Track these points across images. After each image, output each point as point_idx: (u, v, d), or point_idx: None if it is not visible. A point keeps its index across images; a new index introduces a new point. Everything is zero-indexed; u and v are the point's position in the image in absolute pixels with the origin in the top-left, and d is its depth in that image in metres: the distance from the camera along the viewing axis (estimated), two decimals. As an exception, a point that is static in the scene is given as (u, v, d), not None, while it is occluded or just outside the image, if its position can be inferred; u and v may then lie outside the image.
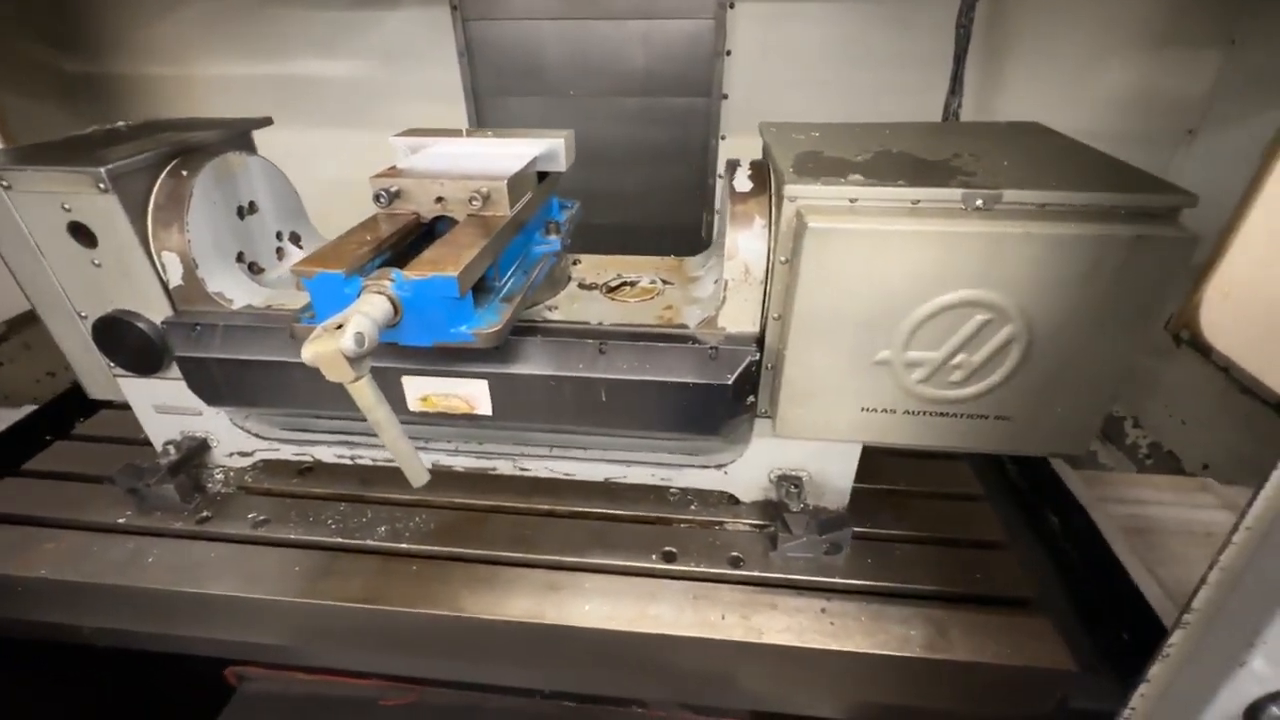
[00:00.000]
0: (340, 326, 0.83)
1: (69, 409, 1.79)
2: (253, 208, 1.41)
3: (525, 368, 1.17)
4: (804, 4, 2.31)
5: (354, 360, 0.83)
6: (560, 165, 1.31)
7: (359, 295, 0.93)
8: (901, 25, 2.30)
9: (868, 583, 1.24)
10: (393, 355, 1.16)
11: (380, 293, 0.92)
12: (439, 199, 1.13)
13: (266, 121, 1.53)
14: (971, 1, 2.01)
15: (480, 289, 1.10)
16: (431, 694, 1.60)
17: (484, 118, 2.62)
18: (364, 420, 0.91)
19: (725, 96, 2.48)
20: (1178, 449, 2.22)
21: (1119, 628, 1.28)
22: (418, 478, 0.98)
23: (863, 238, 0.97)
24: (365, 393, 0.87)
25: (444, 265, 0.93)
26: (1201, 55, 2.18)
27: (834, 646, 1.12)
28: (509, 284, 1.16)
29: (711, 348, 1.15)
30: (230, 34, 2.62)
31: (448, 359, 1.17)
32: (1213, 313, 2.10)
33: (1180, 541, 1.63)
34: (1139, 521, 1.70)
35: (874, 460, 1.49)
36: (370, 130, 2.62)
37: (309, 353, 0.81)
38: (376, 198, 1.11)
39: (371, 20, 2.53)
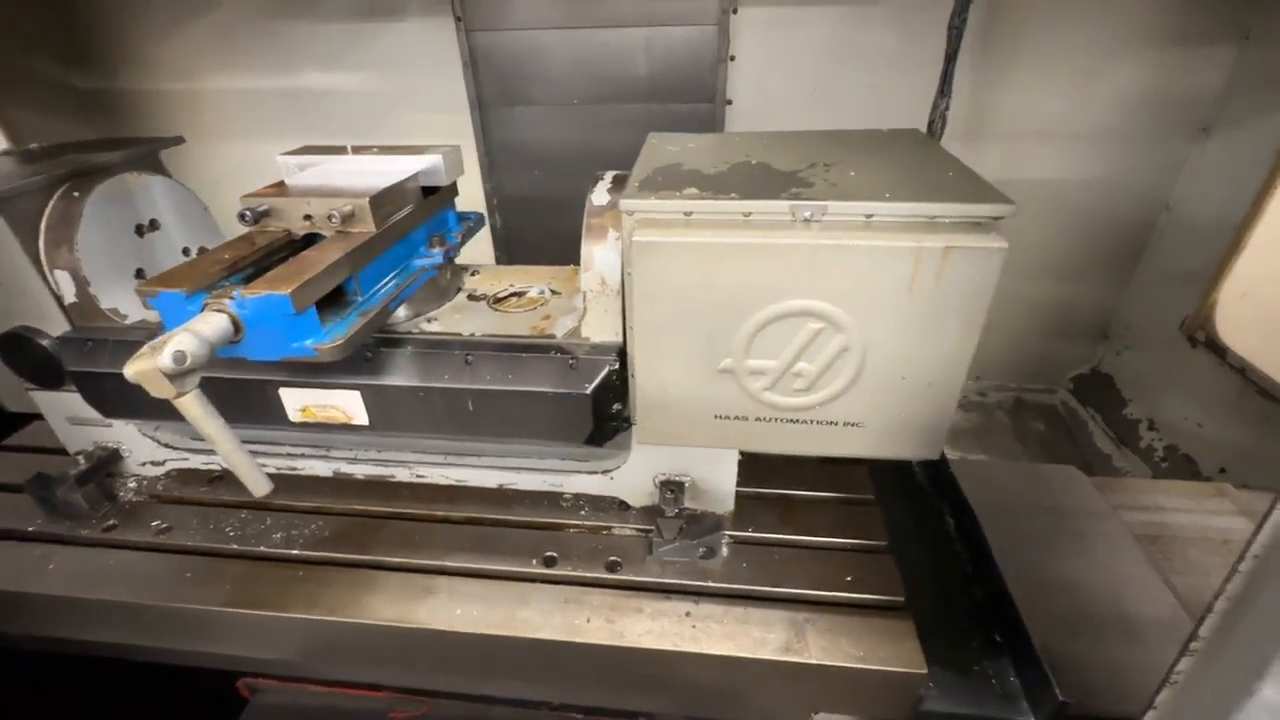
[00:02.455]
0: (164, 345, 0.87)
1: (5, 421, 1.85)
2: (154, 225, 1.45)
3: (394, 379, 1.20)
4: (807, 8, 2.33)
5: (174, 377, 0.86)
6: (441, 180, 1.34)
7: (200, 313, 0.96)
8: (903, 28, 2.31)
9: (738, 586, 1.26)
10: (267, 369, 1.20)
11: (220, 310, 0.96)
12: (307, 216, 1.17)
13: (178, 140, 1.58)
14: (965, 1, 2.00)
15: (339, 302, 1.14)
16: (441, 706, 1.61)
17: (488, 127, 2.69)
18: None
19: (729, 102, 2.49)
20: (1194, 452, 2.20)
21: (993, 630, 1.30)
22: (257, 488, 1.02)
23: (693, 250, 0.99)
24: (192, 408, 0.90)
25: (280, 284, 0.97)
26: (1214, 51, 2.14)
27: (690, 649, 1.15)
28: (374, 298, 1.19)
29: (572, 358, 1.18)
30: (238, 49, 2.71)
31: (320, 371, 1.20)
32: (1228, 313, 2.08)
33: (1198, 549, 1.62)
34: (1154, 529, 1.69)
35: (767, 464, 1.52)
36: (375, 142, 2.72)
37: (130, 370, 0.85)
38: (241, 216, 1.15)
39: (376, 32, 2.59)
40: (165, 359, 0.84)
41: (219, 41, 2.70)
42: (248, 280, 1.06)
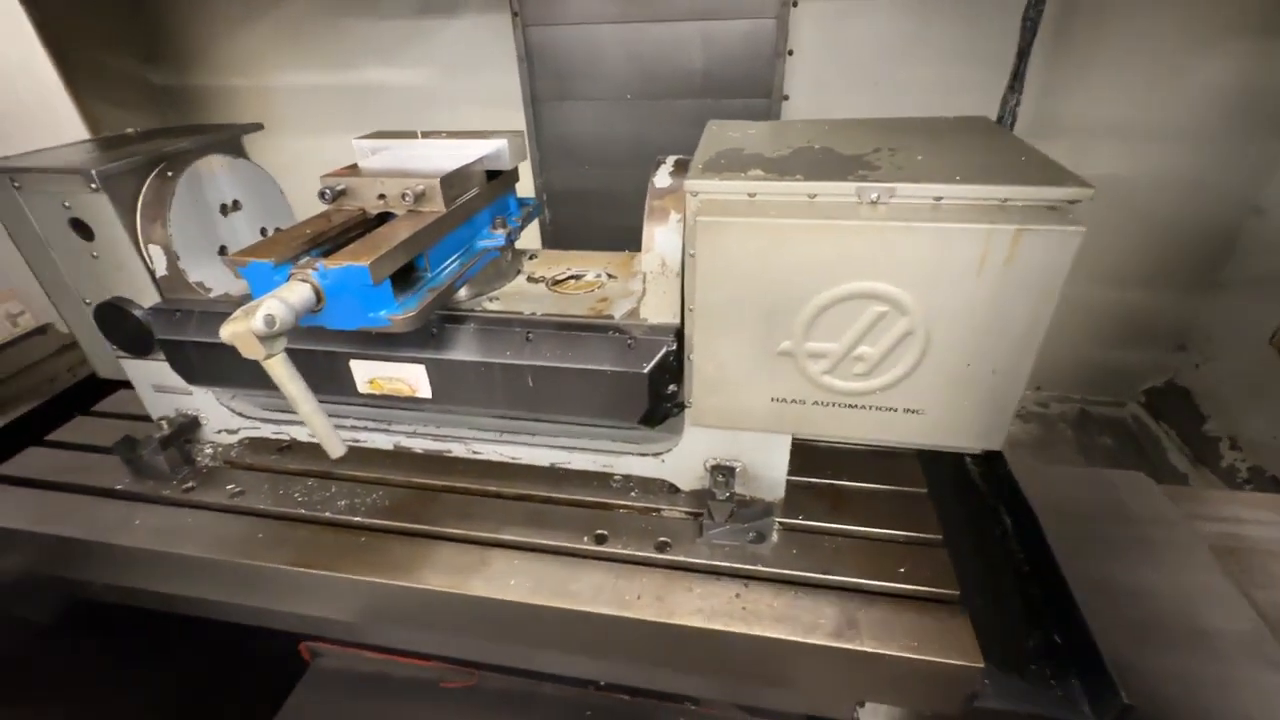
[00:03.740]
0: (256, 309, 0.93)
1: (94, 389, 1.98)
2: (236, 205, 1.54)
3: (458, 354, 1.25)
4: (870, 0, 2.28)
5: (265, 339, 0.92)
6: (505, 164, 1.38)
7: (286, 282, 1.02)
8: (968, 21, 2.23)
9: (789, 571, 1.25)
10: (340, 340, 1.26)
11: (304, 280, 1.02)
12: (381, 195, 1.22)
13: (257, 126, 1.67)
14: None
15: (409, 278, 1.19)
16: (489, 679, 1.65)
17: (541, 122, 2.71)
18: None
19: (786, 97, 2.45)
20: (1280, 472, 2.08)
21: (1052, 631, 1.26)
22: (334, 450, 1.07)
23: (757, 231, 1.00)
24: (278, 369, 0.96)
25: (360, 255, 1.02)
26: None
27: (740, 629, 1.15)
28: (442, 275, 1.24)
29: (631, 338, 1.20)
30: (302, 46, 2.83)
31: (390, 345, 1.26)
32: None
33: (1277, 564, 1.54)
34: (1232, 540, 1.62)
35: (818, 454, 1.52)
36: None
37: (225, 331, 0.91)
38: (321, 194, 1.21)
39: (434, 28, 2.66)
40: (257, 322, 0.90)
41: (285, 38, 2.82)
42: (327, 254, 1.12)
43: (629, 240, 1.54)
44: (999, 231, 0.91)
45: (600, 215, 2.89)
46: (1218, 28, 2.11)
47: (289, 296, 0.97)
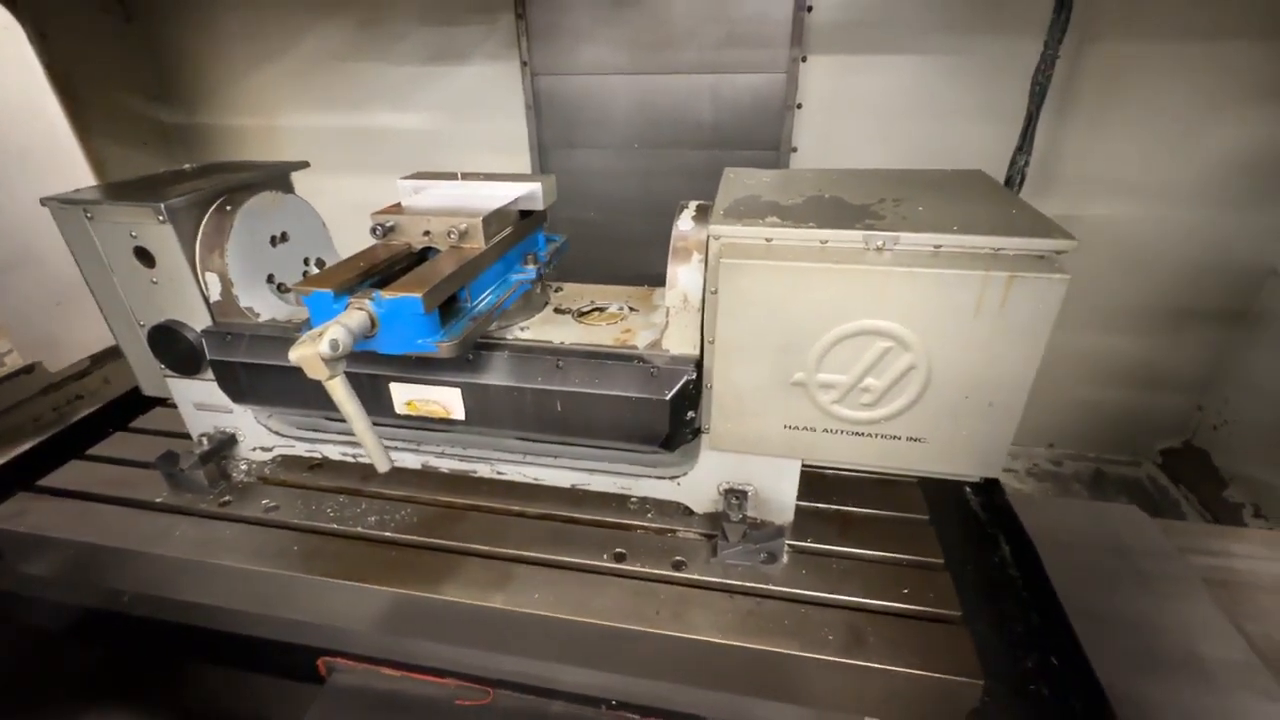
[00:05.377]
0: (321, 334, 1.02)
1: (127, 407, 2.07)
2: (284, 237, 1.65)
3: (492, 379, 1.34)
4: (878, 56, 2.33)
5: (329, 361, 1.01)
6: (538, 204, 1.49)
7: (345, 310, 1.12)
8: (977, 79, 2.28)
9: (799, 590, 1.32)
10: (382, 365, 1.36)
11: (360, 309, 1.12)
12: (426, 232, 1.33)
13: (303, 165, 1.79)
14: (1051, 57, 1.98)
15: (452, 309, 1.29)
16: (503, 697, 1.67)
17: (548, 169, 2.72)
18: (378, 419, 1.08)
19: (794, 150, 2.49)
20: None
21: (1048, 655, 1.32)
22: (381, 464, 1.15)
23: (774, 272, 1.10)
24: (338, 390, 1.05)
25: (413, 287, 1.12)
26: None
27: (755, 645, 1.22)
28: (480, 306, 1.34)
29: (654, 367, 1.29)
30: (312, 88, 2.90)
31: (427, 369, 1.35)
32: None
33: (1271, 598, 1.61)
34: (1223, 574, 1.68)
35: (826, 482, 1.60)
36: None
37: (294, 354, 1.01)
38: (373, 230, 1.32)
39: (444, 75, 2.71)
40: (324, 346, 1.00)
41: (296, 80, 2.88)
42: (378, 285, 1.22)
43: (632, 285, 1.62)
44: (993, 278, 1.01)
45: (605, 263, 2.83)
46: (1231, 92, 2.15)
47: (349, 323, 1.06)
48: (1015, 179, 2.20)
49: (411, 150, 2.90)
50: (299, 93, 2.93)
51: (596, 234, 2.85)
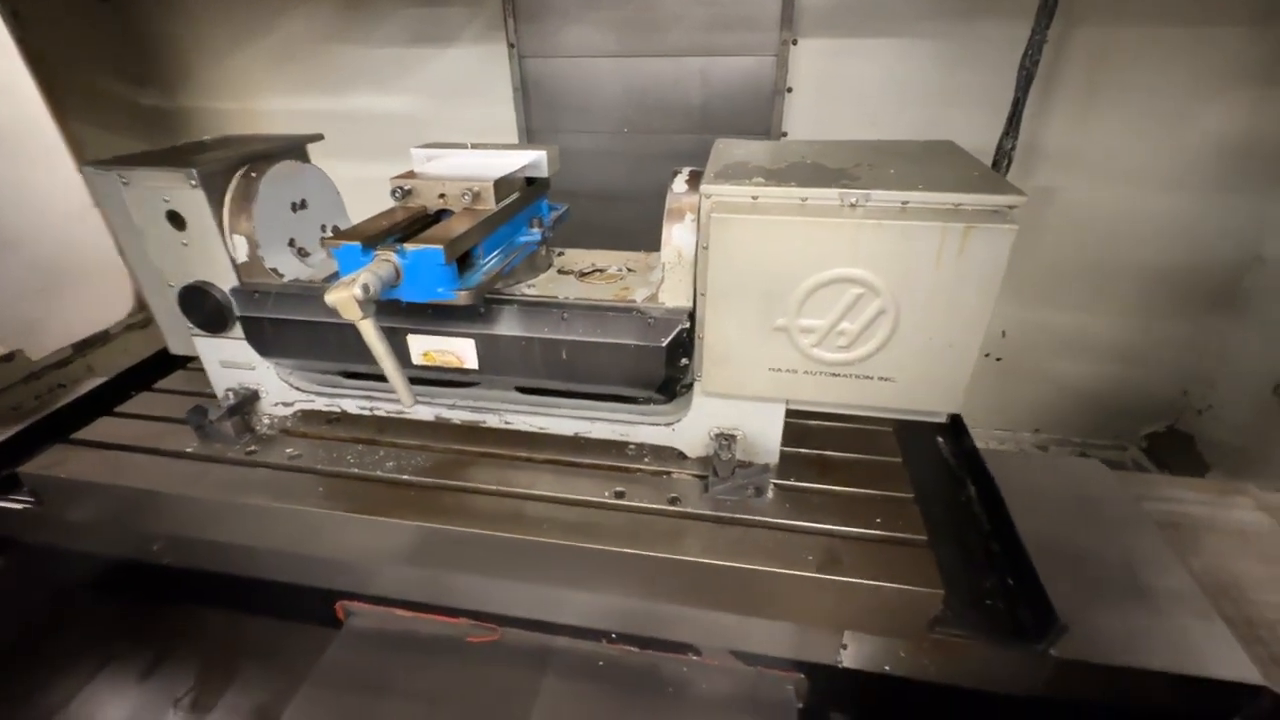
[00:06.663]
0: (354, 280, 1.14)
1: (149, 370, 2.18)
2: (304, 204, 1.76)
3: (503, 330, 1.46)
4: (869, 40, 2.32)
5: (361, 303, 1.13)
6: (543, 172, 1.61)
7: (372, 261, 1.24)
8: (966, 64, 2.28)
9: (782, 520, 1.47)
10: (401, 317, 1.48)
11: (387, 260, 1.24)
12: (441, 195, 1.45)
13: (318, 137, 1.90)
14: (1039, 42, 2.00)
15: (466, 263, 1.41)
16: (511, 634, 1.80)
17: None
18: (381, 379, 1.19)
19: (784, 134, 2.50)
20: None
21: (1006, 575, 1.48)
22: (407, 400, 1.28)
23: (759, 225, 1.23)
24: (369, 330, 1.17)
25: (435, 239, 1.24)
26: None
27: (743, 565, 1.36)
28: (491, 262, 1.46)
29: (651, 317, 1.42)
30: (292, 71, 2.83)
31: (442, 320, 1.47)
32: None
33: (1215, 537, 1.76)
34: (1175, 518, 1.82)
35: (809, 431, 1.73)
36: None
37: (330, 297, 1.13)
38: (393, 193, 1.43)
39: (428, 57, 2.65)
40: (357, 289, 1.12)
41: (276, 62, 2.80)
42: (401, 240, 1.34)
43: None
44: (952, 229, 1.15)
45: (593, 244, 2.91)
46: (1217, 77, 2.17)
47: (378, 270, 1.19)
48: (1002, 163, 2.24)
49: (395, 135, 2.82)
50: (279, 76, 2.86)
51: (585, 219, 2.90)
